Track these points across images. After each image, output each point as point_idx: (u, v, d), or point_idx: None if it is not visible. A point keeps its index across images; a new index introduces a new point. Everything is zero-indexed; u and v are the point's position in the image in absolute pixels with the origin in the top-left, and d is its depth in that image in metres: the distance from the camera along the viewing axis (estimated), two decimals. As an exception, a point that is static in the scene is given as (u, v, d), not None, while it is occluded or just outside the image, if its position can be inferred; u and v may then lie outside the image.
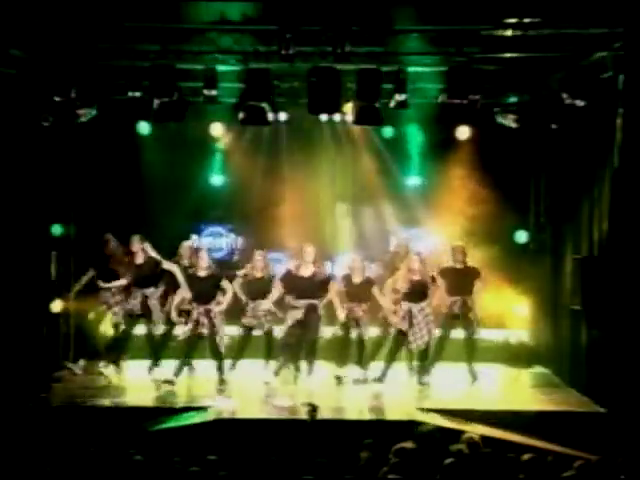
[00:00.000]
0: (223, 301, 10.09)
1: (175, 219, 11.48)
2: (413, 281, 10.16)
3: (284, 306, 10.48)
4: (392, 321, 10.25)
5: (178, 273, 10.33)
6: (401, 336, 10.20)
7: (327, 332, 10.63)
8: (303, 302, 10.23)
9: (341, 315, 10.29)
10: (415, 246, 11.16)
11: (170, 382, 9.88)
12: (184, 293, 10.13)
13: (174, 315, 10.27)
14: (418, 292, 10.16)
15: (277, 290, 10.34)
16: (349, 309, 10.38)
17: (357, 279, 10.43)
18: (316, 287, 10.28)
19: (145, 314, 10.60)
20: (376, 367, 10.34)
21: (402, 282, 10.20)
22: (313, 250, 10.37)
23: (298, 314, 10.21)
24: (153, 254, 10.60)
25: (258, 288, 10.48)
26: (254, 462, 6.28)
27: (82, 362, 10.77)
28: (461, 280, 10.42)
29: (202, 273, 10.07)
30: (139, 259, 10.64)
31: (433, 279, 10.29)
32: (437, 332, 10.44)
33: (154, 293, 10.62)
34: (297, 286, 10.27)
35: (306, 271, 10.32)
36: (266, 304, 10.37)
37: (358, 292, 10.38)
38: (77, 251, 11.53)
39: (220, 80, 9.78)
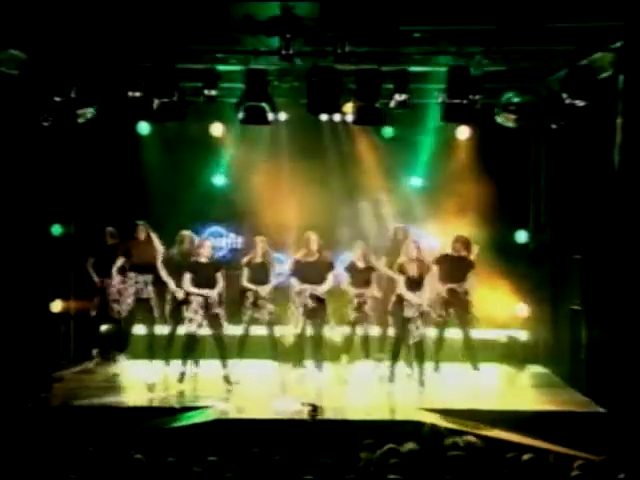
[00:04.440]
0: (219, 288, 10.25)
1: (175, 219, 11.46)
2: (411, 269, 10.14)
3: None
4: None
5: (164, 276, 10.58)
6: (400, 328, 10.18)
7: (333, 330, 10.76)
8: (308, 287, 10.43)
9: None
10: (413, 233, 11.15)
11: (181, 378, 10.00)
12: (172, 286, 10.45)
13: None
14: (415, 281, 10.09)
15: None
16: (359, 295, 10.52)
17: (361, 264, 10.65)
18: (320, 272, 10.48)
19: (146, 300, 10.71)
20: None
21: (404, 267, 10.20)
22: (317, 238, 10.60)
23: (306, 300, 10.40)
24: (157, 242, 10.76)
25: (258, 273, 10.72)
26: (255, 462, 6.27)
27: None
28: (455, 268, 10.50)
29: (203, 259, 10.20)
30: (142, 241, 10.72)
31: (428, 268, 10.24)
32: (432, 332, 10.49)
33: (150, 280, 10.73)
34: (303, 272, 10.51)
35: (311, 258, 10.56)
36: (266, 289, 10.66)
37: (363, 277, 10.59)
38: (77, 251, 11.54)
39: (220, 80, 9.79)
